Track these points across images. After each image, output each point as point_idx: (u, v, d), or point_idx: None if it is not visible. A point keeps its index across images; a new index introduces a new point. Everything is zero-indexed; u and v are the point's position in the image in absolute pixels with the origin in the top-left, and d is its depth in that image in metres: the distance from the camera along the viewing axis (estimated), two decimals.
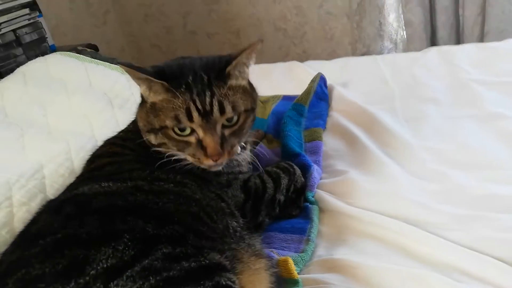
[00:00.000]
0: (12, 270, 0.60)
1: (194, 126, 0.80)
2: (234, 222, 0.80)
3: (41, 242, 0.62)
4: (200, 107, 0.79)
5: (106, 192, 0.71)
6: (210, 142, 0.80)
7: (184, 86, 0.80)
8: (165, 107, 0.81)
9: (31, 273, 0.58)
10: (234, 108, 0.82)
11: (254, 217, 0.91)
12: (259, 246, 0.79)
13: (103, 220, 0.64)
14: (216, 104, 0.80)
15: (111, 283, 0.56)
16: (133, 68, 0.81)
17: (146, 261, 0.59)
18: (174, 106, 0.80)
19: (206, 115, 0.79)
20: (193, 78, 0.81)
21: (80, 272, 0.57)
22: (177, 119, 0.79)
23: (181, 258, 0.60)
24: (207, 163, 0.82)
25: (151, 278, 0.57)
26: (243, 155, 0.96)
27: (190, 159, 0.84)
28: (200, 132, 0.81)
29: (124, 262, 0.58)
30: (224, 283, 0.60)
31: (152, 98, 0.84)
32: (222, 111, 0.80)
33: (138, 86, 0.87)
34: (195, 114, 0.79)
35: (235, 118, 0.83)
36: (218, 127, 0.81)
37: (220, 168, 0.86)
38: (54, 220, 0.66)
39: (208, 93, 0.80)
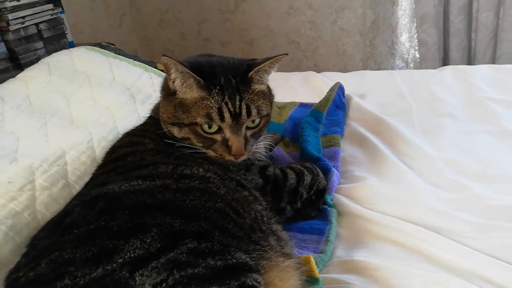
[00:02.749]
0: (46, 252, 0.63)
1: (223, 125, 0.86)
2: (258, 205, 0.82)
3: (75, 231, 0.64)
4: (231, 109, 0.85)
5: (136, 190, 0.73)
6: (237, 142, 0.86)
7: (218, 87, 0.86)
8: (198, 104, 0.86)
9: (63, 256, 0.60)
10: (258, 112, 0.88)
11: (275, 201, 0.93)
12: (286, 237, 0.80)
13: (133, 215, 0.66)
14: (244, 107, 0.86)
15: (137, 272, 0.57)
16: (177, 61, 0.85)
17: (172, 254, 0.60)
18: (207, 104, 0.85)
19: (235, 116, 0.86)
20: (225, 80, 0.87)
21: (109, 259, 0.58)
22: (209, 117, 0.85)
23: (206, 254, 0.61)
24: (229, 159, 0.88)
25: (175, 272, 0.57)
26: (259, 148, 0.99)
27: (212, 154, 0.88)
28: (228, 132, 0.86)
29: (150, 253, 0.60)
30: (250, 283, 0.60)
31: (184, 93, 0.88)
32: (249, 114, 0.87)
33: (158, 78, 0.90)
34: (226, 115, 0.85)
35: (258, 121, 0.90)
36: (243, 129, 0.88)
37: (228, 164, 0.90)
38: (87, 213, 0.68)
39: (237, 97, 0.86)
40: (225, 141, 0.87)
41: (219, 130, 0.87)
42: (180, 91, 0.88)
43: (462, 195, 0.98)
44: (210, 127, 0.86)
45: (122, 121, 1.19)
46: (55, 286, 0.56)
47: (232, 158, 0.87)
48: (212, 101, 0.85)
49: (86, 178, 0.95)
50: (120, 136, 1.00)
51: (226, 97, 0.85)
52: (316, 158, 1.12)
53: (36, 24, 1.81)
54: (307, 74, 1.79)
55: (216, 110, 0.84)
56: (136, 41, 3.05)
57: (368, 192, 1.02)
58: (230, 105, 0.85)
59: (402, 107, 1.42)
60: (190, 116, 0.86)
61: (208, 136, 0.87)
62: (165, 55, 0.85)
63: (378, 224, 0.92)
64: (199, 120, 0.85)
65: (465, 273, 0.78)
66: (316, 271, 0.79)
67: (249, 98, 0.87)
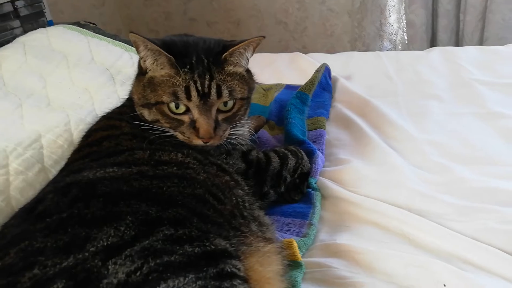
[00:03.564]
0: (15, 241, 0.60)
1: (190, 105, 0.82)
2: (240, 191, 0.80)
3: (47, 219, 0.62)
4: (199, 88, 0.81)
5: (111, 177, 0.70)
6: (204, 124, 0.82)
7: (188, 66, 0.82)
8: (165, 82, 0.82)
9: (33, 245, 0.58)
10: (230, 93, 0.84)
11: (258, 185, 0.91)
12: (267, 222, 0.79)
13: (107, 203, 0.64)
14: (214, 87, 0.82)
15: (110, 260, 0.55)
16: (146, 38, 0.81)
17: (147, 241, 0.58)
18: (174, 82, 0.81)
19: (203, 96, 0.81)
20: (196, 59, 0.83)
21: (80, 248, 0.56)
22: (175, 95, 0.81)
23: (184, 241, 0.59)
24: (197, 143, 0.84)
25: (150, 260, 0.55)
26: (242, 131, 0.96)
27: (180, 137, 0.85)
28: (196, 113, 0.82)
29: (124, 241, 0.58)
30: (229, 270, 0.59)
31: (154, 71, 0.84)
32: (219, 94, 0.82)
33: (138, 58, 0.87)
34: (193, 94, 0.81)
35: (231, 103, 0.85)
36: (213, 110, 0.83)
37: (208, 148, 0.87)
38: (60, 201, 0.66)
39: (207, 76, 0.82)
40: (192, 123, 0.83)
41: (187, 110, 0.83)
42: (150, 69, 0.85)
43: (446, 177, 0.98)
44: (177, 107, 0.82)
45: (101, 103, 1.15)
46: (24, 277, 0.54)
47: (200, 141, 0.83)
48: (180, 79, 0.80)
49: (63, 162, 0.92)
50: (97, 119, 0.97)
51: (196, 76, 0.81)
52: (301, 141, 1.10)
53: (12, 2, 1.73)
54: (293, 55, 1.75)
55: (183, 89, 0.80)
56: (120, 21, 2.96)
57: (352, 175, 1.01)
58: (198, 84, 0.80)
59: (388, 88, 1.40)
60: (157, 94, 0.82)
61: (176, 117, 0.83)
62: (132, 32, 0.81)
63: (361, 207, 0.91)
64: (165, 98, 0.82)
65: (447, 255, 0.78)
66: (299, 255, 0.78)
67: (220, 78, 0.83)
